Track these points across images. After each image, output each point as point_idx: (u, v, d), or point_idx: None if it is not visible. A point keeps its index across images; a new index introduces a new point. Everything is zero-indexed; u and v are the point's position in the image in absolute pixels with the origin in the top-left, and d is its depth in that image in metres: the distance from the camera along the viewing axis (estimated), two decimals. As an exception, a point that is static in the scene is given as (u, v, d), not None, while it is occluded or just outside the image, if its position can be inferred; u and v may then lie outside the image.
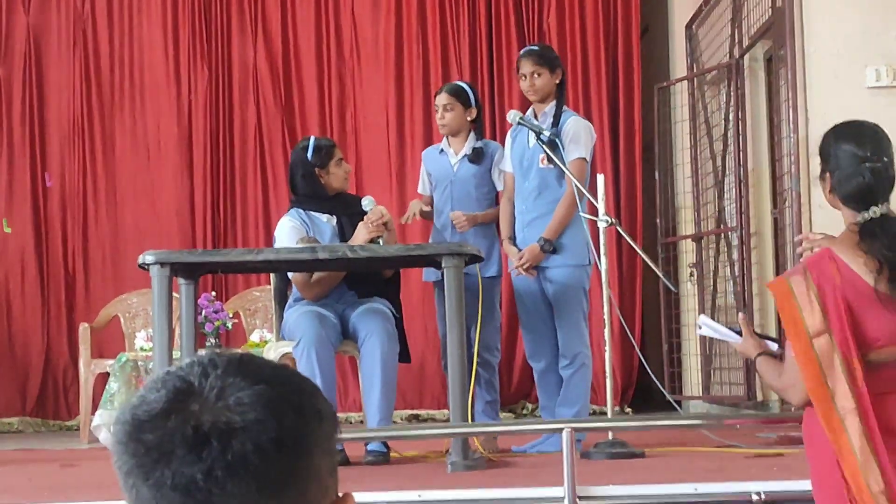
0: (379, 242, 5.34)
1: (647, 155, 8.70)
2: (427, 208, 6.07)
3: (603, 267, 5.31)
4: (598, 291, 7.48)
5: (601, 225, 5.26)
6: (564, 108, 5.82)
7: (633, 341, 6.51)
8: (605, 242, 5.33)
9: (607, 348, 5.33)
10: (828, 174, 3.10)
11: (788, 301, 2.98)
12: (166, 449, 1.06)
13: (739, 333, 3.26)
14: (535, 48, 5.99)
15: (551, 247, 5.60)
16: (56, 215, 8.86)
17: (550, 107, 5.77)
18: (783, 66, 6.74)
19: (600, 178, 5.36)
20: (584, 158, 5.67)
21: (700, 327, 3.38)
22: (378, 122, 8.80)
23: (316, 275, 5.48)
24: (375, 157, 8.77)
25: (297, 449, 1.09)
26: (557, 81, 5.78)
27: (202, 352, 1.15)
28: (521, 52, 6.03)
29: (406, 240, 7.86)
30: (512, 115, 5.74)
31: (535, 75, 5.74)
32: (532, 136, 5.74)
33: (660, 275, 5.60)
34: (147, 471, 1.07)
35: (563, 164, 5.48)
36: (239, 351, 1.16)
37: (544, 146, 5.51)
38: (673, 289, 5.78)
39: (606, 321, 5.34)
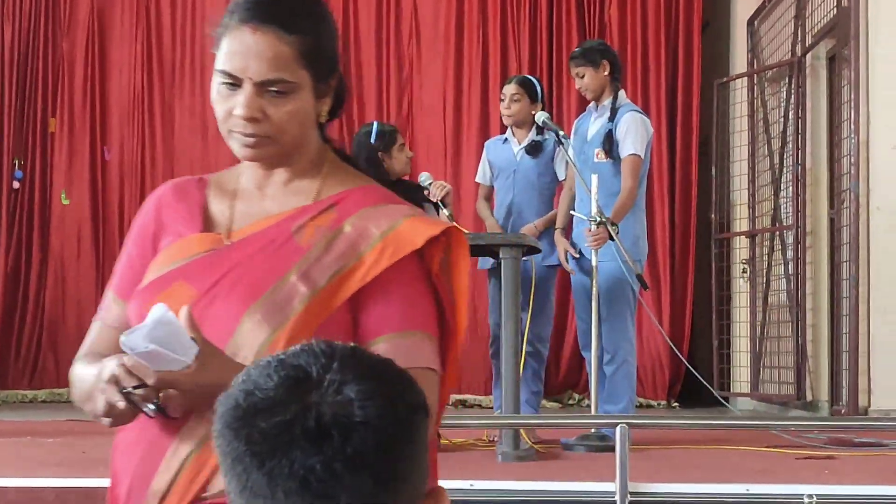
0: (444, 212, 5.39)
1: (704, 150, 8.66)
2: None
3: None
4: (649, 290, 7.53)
5: (591, 225, 5.29)
6: (625, 101, 5.83)
7: (671, 344, 6.46)
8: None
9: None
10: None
11: None
12: (285, 438, 1.06)
13: None
14: (577, 49, 6.03)
15: (615, 228, 5.39)
16: (114, 189, 8.95)
17: (608, 101, 5.78)
18: (846, 66, 6.69)
19: (594, 179, 5.34)
20: (638, 155, 5.64)
21: None
22: (435, 109, 8.81)
23: None
24: (431, 143, 8.78)
25: (410, 444, 1.11)
26: (606, 73, 5.76)
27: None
28: None
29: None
30: (538, 116, 5.79)
31: (579, 76, 5.81)
32: (592, 128, 5.77)
33: (630, 271, 5.49)
34: (263, 459, 1.06)
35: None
36: (344, 343, 1.17)
37: (561, 144, 5.60)
38: (645, 288, 5.68)
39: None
